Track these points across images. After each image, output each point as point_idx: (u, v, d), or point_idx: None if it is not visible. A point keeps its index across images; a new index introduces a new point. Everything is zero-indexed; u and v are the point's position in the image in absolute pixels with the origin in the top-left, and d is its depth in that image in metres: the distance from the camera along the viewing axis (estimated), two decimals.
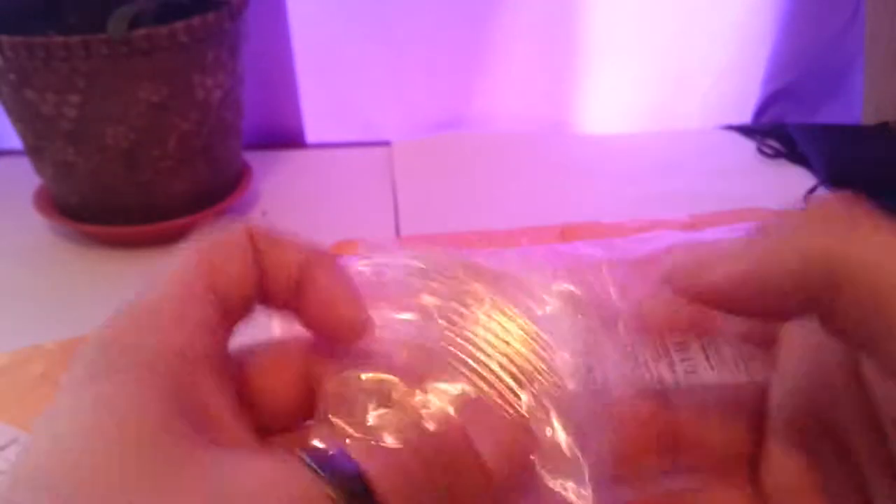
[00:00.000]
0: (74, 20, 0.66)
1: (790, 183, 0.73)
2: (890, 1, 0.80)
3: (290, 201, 0.73)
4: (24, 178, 0.68)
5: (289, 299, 0.23)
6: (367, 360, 0.23)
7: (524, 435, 0.22)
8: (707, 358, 0.27)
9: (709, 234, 0.48)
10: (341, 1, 0.79)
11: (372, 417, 0.21)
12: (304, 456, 0.19)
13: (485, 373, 0.23)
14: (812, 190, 0.70)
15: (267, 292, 0.23)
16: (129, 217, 0.64)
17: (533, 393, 0.23)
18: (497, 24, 0.81)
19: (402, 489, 0.19)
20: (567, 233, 0.50)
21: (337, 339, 0.23)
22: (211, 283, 0.22)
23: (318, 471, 0.18)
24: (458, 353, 0.23)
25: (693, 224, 0.51)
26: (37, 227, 0.68)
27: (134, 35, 0.57)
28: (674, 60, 0.84)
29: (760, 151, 0.79)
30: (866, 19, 0.81)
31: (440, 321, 0.24)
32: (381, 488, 0.18)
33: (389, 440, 0.20)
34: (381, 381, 0.22)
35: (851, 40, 0.82)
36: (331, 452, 0.19)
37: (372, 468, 0.19)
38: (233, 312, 0.23)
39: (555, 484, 0.22)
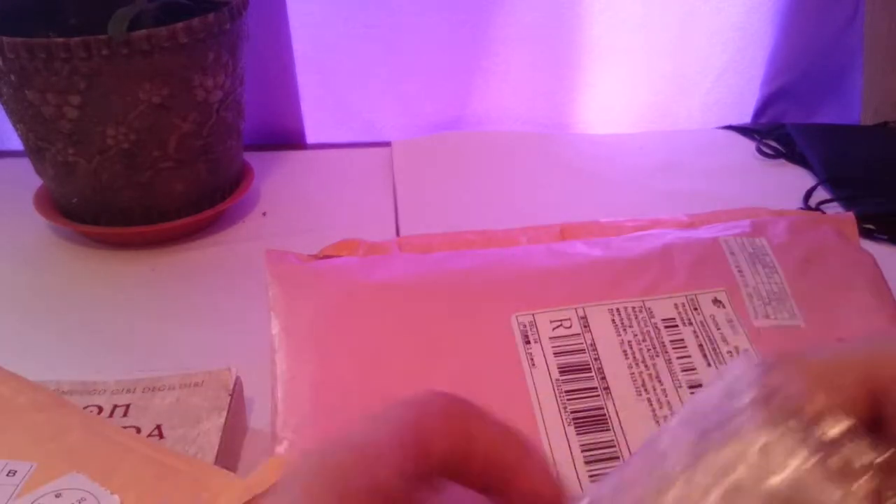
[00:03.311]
0: (75, 21, 0.66)
1: (789, 183, 0.73)
2: (889, 1, 0.80)
3: (290, 201, 0.73)
4: (25, 178, 0.68)
5: (490, 482, 0.23)
6: None
7: None
8: None
9: (704, 232, 0.48)
10: (341, 1, 0.79)
11: None
12: None
13: None
14: (811, 190, 0.71)
15: (466, 470, 0.23)
16: (129, 217, 0.64)
17: None
18: (497, 25, 0.81)
19: None
20: (566, 232, 0.50)
21: None
22: (423, 447, 0.22)
23: None
24: None
25: (692, 223, 0.51)
26: (37, 228, 0.68)
27: (134, 36, 0.57)
28: (674, 61, 0.84)
29: (760, 151, 0.79)
30: (866, 19, 0.81)
31: None
32: None
33: None
34: None
35: (851, 40, 0.82)
36: None
37: None
38: (429, 476, 0.22)
39: None
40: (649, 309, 0.42)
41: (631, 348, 0.41)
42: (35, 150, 0.64)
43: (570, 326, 0.41)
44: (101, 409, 0.43)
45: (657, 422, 0.38)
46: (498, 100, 0.85)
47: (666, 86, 0.85)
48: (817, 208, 0.68)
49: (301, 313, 0.43)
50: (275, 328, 0.43)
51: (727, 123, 0.85)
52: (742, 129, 0.84)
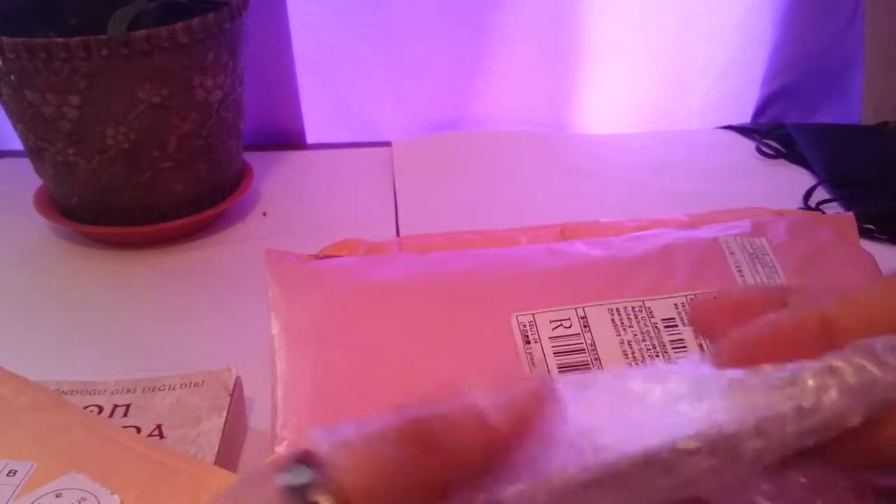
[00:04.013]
0: (75, 21, 0.66)
1: (789, 183, 0.73)
2: (889, 1, 0.80)
3: (290, 201, 0.73)
4: (25, 178, 0.68)
5: None
6: None
7: None
8: None
9: (704, 232, 0.48)
10: (341, 1, 0.79)
11: None
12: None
13: None
14: (811, 190, 0.71)
15: None
16: (129, 217, 0.64)
17: None
18: (496, 24, 0.81)
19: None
20: (567, 232, 0.50)
21: None
22: None
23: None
24: None
25: (692, 223, 0.51)
26: (37, 228, 0.68)
27: (134, 36, 0.57)
28: (674, 61, 0.84)
29: (760, 151, 0.79)
30: (866, 19, 0.81)
31: None
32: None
33: None
34: None
35: (851, 40, 0.82)
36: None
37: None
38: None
39: None
40: (649, 309, 0.42)
41: (631, 348, 0.41)
42: (35, 150, 0.64)
43: (570, 326, 0.41)
44: (101, 409, 0.43)
45: None
46: (498, 100, 0.85)
47: (666, 86, 0.85)
48: (817, 208, 0.68)
49: (301, 313, 0.43)
50: (275, 328, 0.43)
51: (727, 123, 0.85)
52: (742, 129, 0.84)
